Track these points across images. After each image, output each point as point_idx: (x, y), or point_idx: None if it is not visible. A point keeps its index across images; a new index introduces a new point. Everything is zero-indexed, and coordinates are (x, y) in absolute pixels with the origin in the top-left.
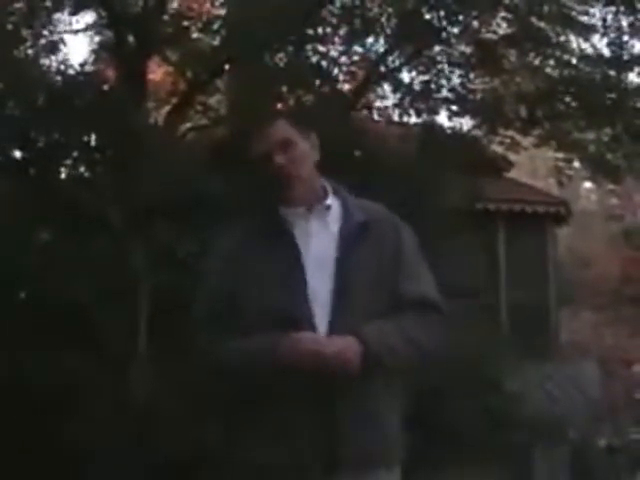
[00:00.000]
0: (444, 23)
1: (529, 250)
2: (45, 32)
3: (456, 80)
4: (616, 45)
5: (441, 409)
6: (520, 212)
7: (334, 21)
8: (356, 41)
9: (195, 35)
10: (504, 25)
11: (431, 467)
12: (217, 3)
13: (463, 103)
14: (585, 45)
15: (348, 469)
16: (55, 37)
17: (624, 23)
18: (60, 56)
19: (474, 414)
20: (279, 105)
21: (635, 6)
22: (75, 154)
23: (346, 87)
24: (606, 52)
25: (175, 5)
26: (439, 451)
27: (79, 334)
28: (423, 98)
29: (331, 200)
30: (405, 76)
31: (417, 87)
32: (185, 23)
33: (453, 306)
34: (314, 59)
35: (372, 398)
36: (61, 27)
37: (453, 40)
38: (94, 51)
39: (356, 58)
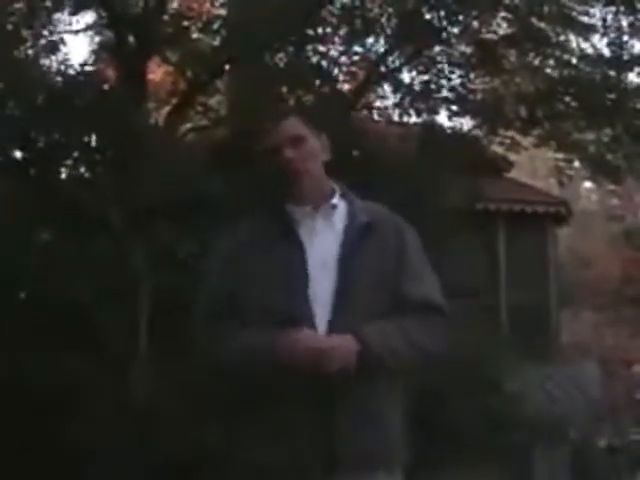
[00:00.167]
0: (444, 23)
1: (529, 250)
2: (45, 32)
3: (456, 80)
4: (616, 45)
5: (441, 409)
6: (520, 212)
7: (334, 21)
8: (356, 41)
9: (195, 35)
10: (504, 25)
11: (431, 467)
12: (217, 3)
13: (463, 103)
14: (585, 45)
15: (347, 469)
16: (55, 37)
17: (624, 23)
18: (60, 56)
19: (474, 414)
20: (279, 105)
21: (635, 6)
22: (75, 154)
23: (346, 87)
24: (606, 52)
25: (175, 5)
26: (439, 451)
27: (79, 334)
28: (423, 98)
29: (337, 201)
30: (405, 76)
31: (417, 87)
32: (185, 23)
33: (453, 306)
34: (314, 59)
35: (374, 398)
36: (61, 27)
37: (453, 40)
38: (94, 51)
39: (356, 58)
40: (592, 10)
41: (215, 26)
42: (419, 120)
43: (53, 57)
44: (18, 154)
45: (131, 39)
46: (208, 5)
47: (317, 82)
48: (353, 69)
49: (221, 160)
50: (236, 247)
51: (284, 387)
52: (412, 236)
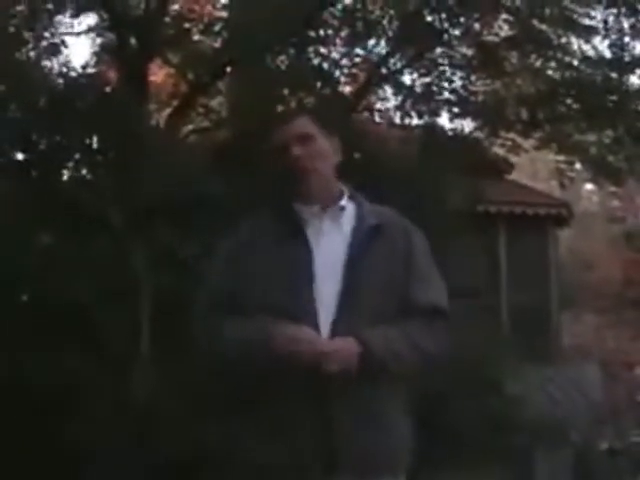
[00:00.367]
0: (446, 25)
1: (530, 252)
2: (47, 34)
3: (457, 82)
4: (617, 47)
5: (442, 410)
6: (521, 214)
7: (335, 23)
8: (357, 43)
9: (196, 37)
10: (505, 27)
11: (432, 468)
12: (218, 5)
13: (464, 105)
14: (586, 47)
15: (348, 470)
16: (57, 39)
17: (625, 25)
18: (62, 58)
19: (475, 416)
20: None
21: (637, 8)
22: (77, 156)
23: (347, 89)
24: (607, 54)
25: (176, 7)
26: (440, 453)
27: (80, 335)
28: (424, 100)
29: (346, 202)
30: (406, 78)
31: (418, 89)
32: (186, 25)
33: (454, 307)
34: (315, 61)
35: (376, 400)
36: (63, 29)
37: (455, 42)
38: (96, 53)
39: (357, 60)
40: (593, 12)
41: (216, 28)
42: (420, 122)
43: (55, 59)
44: (20, 156)
45: (132, 41)
46: (209, 7)
47: (318, 84)
48: (354, 71)
49: (222, 161)
50: (236, 247)
51: (284, 387)
52: (420, 239)
